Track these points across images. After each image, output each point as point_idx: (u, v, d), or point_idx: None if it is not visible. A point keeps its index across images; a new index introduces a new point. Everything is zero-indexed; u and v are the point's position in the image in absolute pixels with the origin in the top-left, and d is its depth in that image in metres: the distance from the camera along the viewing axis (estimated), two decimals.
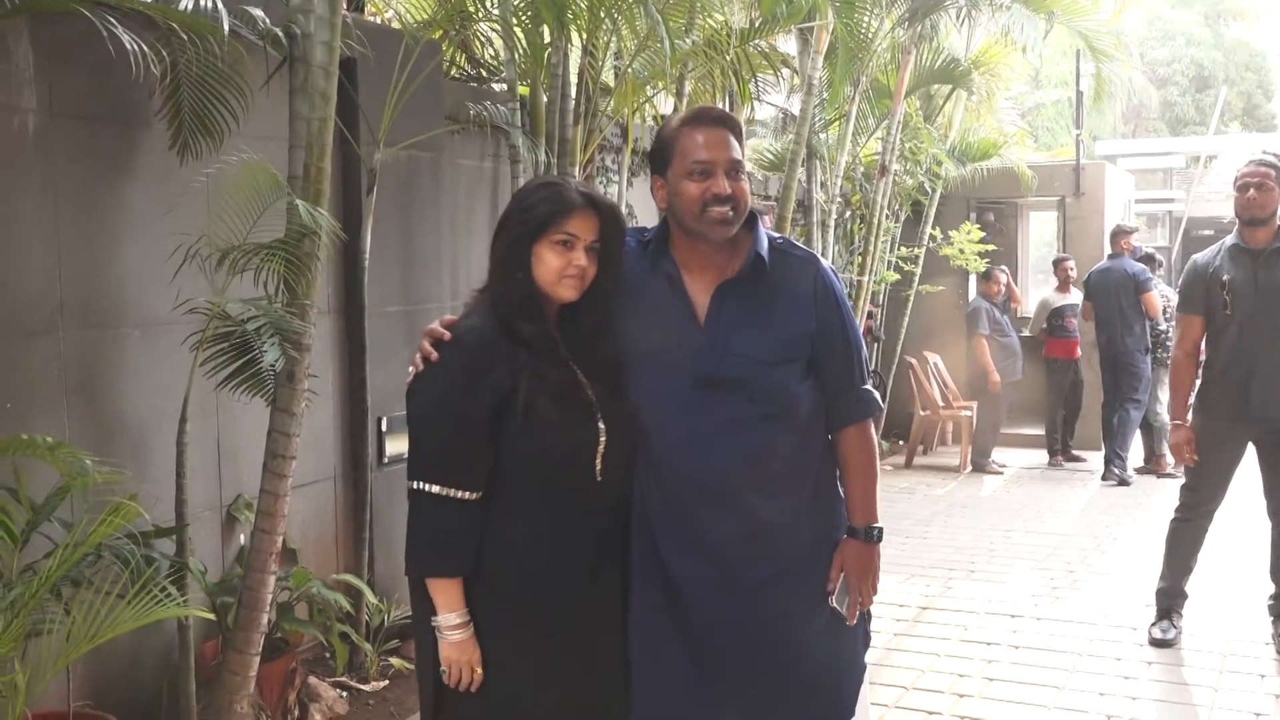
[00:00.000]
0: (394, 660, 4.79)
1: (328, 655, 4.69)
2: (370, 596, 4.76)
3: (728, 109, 8.64)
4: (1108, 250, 9.96)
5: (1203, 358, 5.21)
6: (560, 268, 2.48)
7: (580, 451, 2.50)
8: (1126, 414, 9.53)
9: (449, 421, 2.43)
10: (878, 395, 2.84)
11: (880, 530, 2.77)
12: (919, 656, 5.21)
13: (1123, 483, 9.38)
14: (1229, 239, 5.09)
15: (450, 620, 2.45)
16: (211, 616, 3.68)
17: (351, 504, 5.03)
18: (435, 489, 2.43)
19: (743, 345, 2.63)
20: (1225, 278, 4.97)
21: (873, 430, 2.81)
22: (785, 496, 2.68)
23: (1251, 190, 4.93)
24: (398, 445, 5.21)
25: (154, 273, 3.92)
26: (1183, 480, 5.30)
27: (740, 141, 2.68)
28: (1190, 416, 5.14)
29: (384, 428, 5.10)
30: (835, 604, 2.70)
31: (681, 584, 2.64)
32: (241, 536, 4.43)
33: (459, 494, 2.43)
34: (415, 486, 2.46)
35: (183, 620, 3.81)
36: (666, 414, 2.61)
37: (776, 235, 2.79)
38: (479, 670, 2.47)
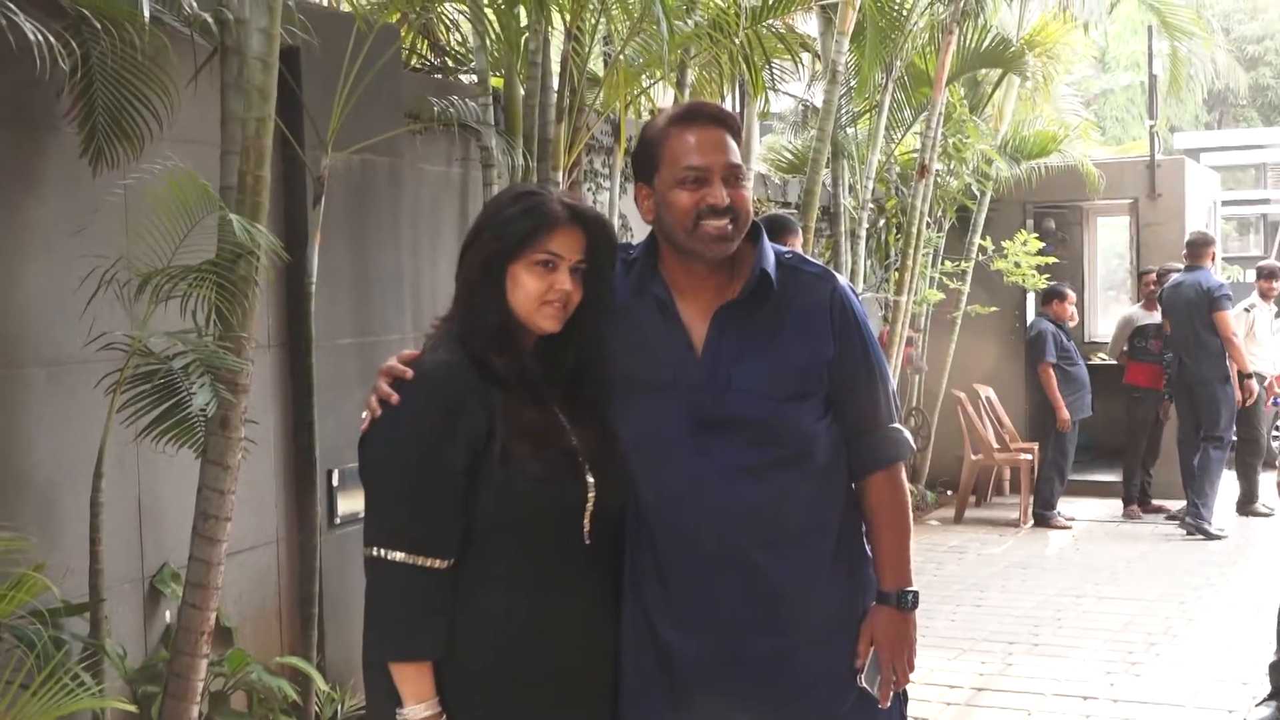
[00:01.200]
0: None
1: None
2: (321, 683, 4.76)
3: (738, 101, 8.74)
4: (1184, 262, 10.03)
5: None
6: (540, 293, 2.51)
7: (566, 509, 2.53)
8: (1207, 455, 9.57)
9: (415, 475, 2.45)
10: (908, 434, 2.87)
11: (915, 595, 2.79)
12: None
13: (1207, 536, 9.40)
14: None
15: (420, 712, 2.46)
16: (133, 709, 3.70)
17: (297, 573, 5.04)
18: (399, 556, 2.44)
19: (748, 379, 2.66)
20: None
21: (903, 476, 2.84)
22: (801, 557, 2.70)
23: None
24: (352, 503, 5.23)
25: (62, 302, 3.95)
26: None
27: (739, 142, 2.72)
28: None
29: (335, 482, 5.13)
30: (865, 683, 2.72)
31: (678, 658, 2.66)
32: (167, 614, 4.44)
33: (427, 562, 2.44)
34: (375, 554, 2.47)
35: (98, 714, 3.82)
36: (659, 461, 2.64)
37: (785, 250, 2.84)
38: None
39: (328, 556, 5.07)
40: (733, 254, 2.68)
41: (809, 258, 2.92)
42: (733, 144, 2.68)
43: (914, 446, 2.97)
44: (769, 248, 2.76)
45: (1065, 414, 9.98)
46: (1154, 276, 10.46)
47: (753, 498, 2.64)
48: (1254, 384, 9.71)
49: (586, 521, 2.54)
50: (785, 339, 2.70)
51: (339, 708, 4.89)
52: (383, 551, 2.45)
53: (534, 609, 2.51)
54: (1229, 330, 9.53)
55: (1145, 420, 10.40)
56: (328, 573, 5.07)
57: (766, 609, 2.68)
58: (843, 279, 2.85)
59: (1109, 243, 14.45)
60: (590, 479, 2.54)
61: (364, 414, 2.60)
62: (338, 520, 5.16)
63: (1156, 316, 10.22)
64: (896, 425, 2.83)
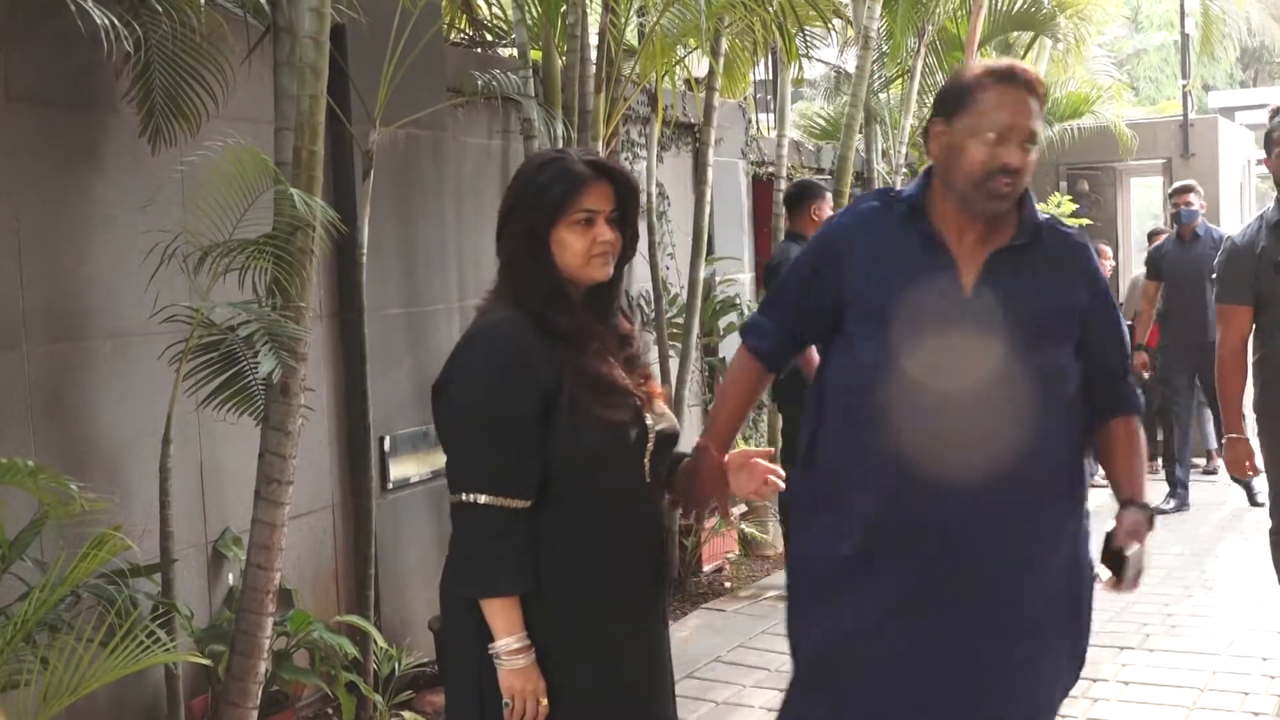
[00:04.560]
0: (406, 714, 4.94)
1: (330, 711, 4.85)
2: (380, 640, 4.91)
3: (771, 67, 8.80)
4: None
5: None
6: (586, 249, 2.64)
7: (629, 451, 2.68)
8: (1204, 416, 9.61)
9: (491, 422, 2.59)
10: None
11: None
12: None
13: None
14: (1269, 212, 4.94)
15: (510, 644, 2.58)
16: (208, 662, 3.84)
17: (352, 537, 5.19)
18: (483, 499, 2.58)
19: (1015, 317, 2.79)
20: (1278, 260, 4.78)
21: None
22: (1049, 491, 2.85)
23: None
24: (403, 469, 5.37)
25: (127, 276, 4.10)
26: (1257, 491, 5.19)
27: (1043, 110, 2.82)
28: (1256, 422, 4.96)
29: (387, 448, 5.27)
30: (1130, 568, 2.84)
31: (912, 601, 2.79)
32: (230, 576, 4.60)
33: (510, 503, 2.58)
34: (462, 499, 2.60)
35: (171, 669, 3.98)
36: (918, 395, 2.73)
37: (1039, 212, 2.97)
38: (544, 701, 2.60)
39: (381, 520, 5.22)
40: None
41: (1063, 220, 3.05)
42: (1037, 111, 2.77)
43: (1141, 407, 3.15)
44: (1034, 203, 2.91)
45: None
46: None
47: (1018, 435, 2.76)
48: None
49: (646, 461, 2.70)
50: (1047, 286, 2.84)
51: (396, 665, 5.03)
52: (470, 496, 2.59)
53: (604, 542, 2.66)
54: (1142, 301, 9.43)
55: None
56: (381, 536, 5.21)
57: (1013, 561, 2.81)
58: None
59: (1143, 203, 14.45)
60: (649, 423, 2.70)
61: None
62: (390, 485, 5.31)
63: None
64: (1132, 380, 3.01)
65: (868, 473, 2.80)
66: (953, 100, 2.79)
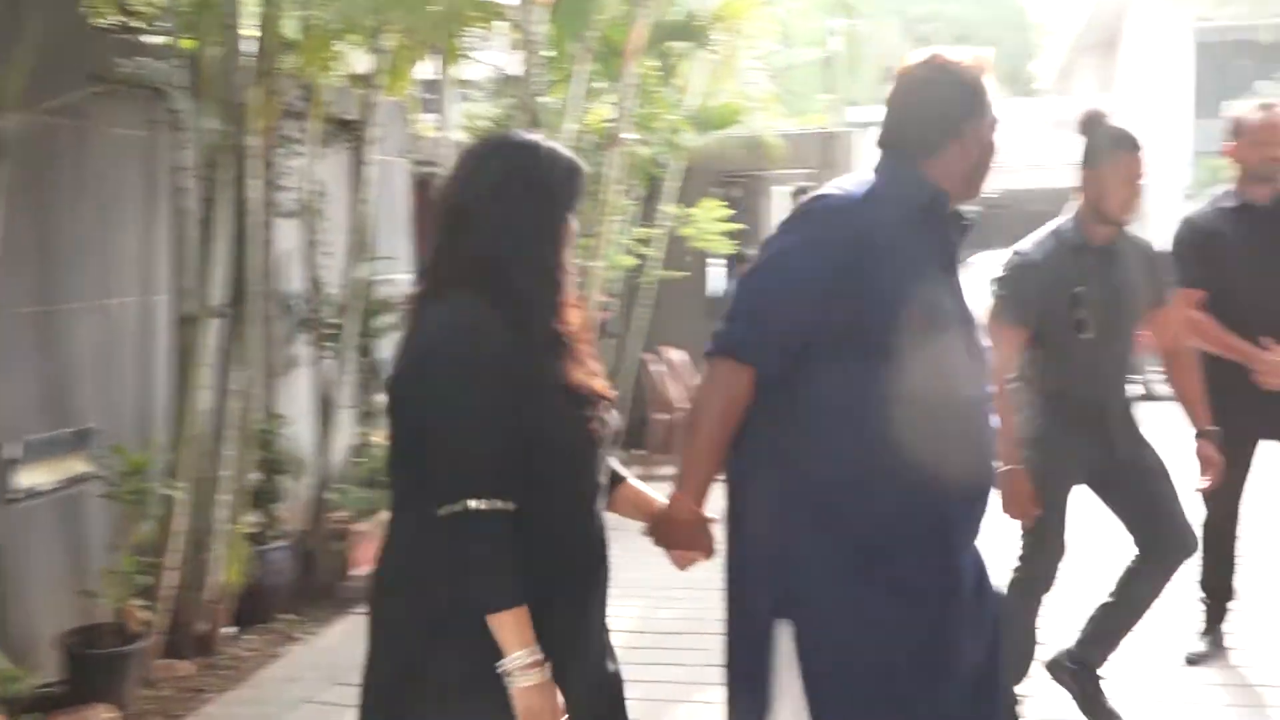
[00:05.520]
0: None
1: None
2: (2, 660, 4.63)
3: (440, 67, 8.74)
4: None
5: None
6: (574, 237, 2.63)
7: (594, 446, 2.61)
8: None
9: (480, 421, 2.42)
10: None
11: None
12: None
13: None
14: (1068, 231, 4.41)
15: (523, 659, 2.37)
16: None
17: None
18: (484, 505, 2.38)
19: None
20: (1078, 290, 4.33)
21: None
22: None
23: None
24: (33, 477, 5.07)
25: None
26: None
27: None
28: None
29: (20, 454, 4.96)
30: None
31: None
32: None
33: (507, 506, 2.41)
34: (463, 508, 2.39)
35: None
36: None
37: None
38: None
39: (6, 533, 4.92)
40: None
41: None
42: None
43: None
44: None
45: None
46: None
47: None
48: None
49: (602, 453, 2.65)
50: None
51: (21, 686, 4.74)
52: (474, 503, 2.38)
53: (572, 544, 2.57)
54: None
55: None
56: (7, 549, 4.91)
57: None
58: None
59: (785, 211, 15.11)
60: (608, 420, 2.63)
61: None
62: (19, 495, 5.00)
63: None
64: None
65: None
66: (976, 102, 2.88)
